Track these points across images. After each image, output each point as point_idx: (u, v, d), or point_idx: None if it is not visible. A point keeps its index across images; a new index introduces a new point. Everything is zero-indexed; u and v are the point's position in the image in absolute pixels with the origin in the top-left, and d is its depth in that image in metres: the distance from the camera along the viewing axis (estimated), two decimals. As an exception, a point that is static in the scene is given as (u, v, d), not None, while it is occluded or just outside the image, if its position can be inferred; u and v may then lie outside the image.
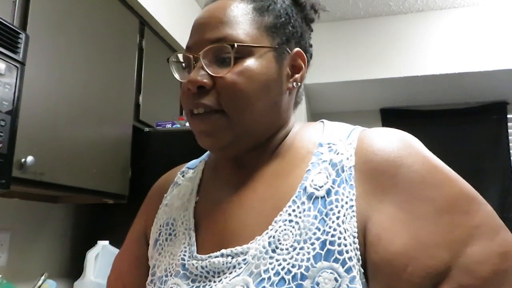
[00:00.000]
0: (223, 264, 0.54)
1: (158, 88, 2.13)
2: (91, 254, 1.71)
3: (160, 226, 0.68)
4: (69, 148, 1.48)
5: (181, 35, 2.36)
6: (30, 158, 1.25)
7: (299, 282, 0.48)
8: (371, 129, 0.59)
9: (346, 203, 0.51)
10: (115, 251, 1.71)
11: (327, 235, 0.50)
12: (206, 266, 0.56)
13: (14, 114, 1.16)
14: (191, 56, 0.59)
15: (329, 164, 0.56)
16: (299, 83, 0.64)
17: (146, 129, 1.97)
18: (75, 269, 1.86)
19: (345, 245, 0.49)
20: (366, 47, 3.13)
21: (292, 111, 0.67)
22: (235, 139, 0.59)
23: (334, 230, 0.50)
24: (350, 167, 0.54)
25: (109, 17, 1.78)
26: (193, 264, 0.57)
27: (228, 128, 0.58)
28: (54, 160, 1.41)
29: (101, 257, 1.72)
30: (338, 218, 0.50)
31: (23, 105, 1.21)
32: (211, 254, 0.56)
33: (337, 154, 0.56)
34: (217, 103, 0.57)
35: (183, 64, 0.63)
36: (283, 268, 0.50)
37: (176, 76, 0.63)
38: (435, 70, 3.00)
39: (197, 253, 0.59)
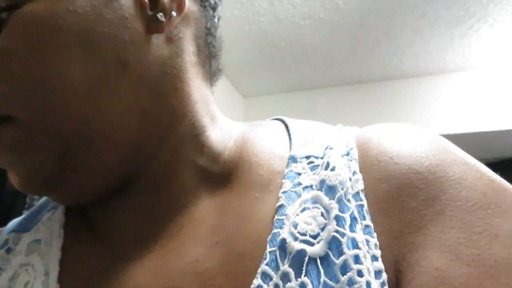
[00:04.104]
0: None
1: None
2: None
3: None
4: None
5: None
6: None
7: None
8: (372, 126, 0.36)
9: (369, 266, 0.27)
10: None
11: None
12: None
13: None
14: None
15: (321, 190, 0.31)
16: (174, 13, 0.33)
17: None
18: None
19: None
20: (379, 109, 3.22)
21: (200, 82, 0.37)
22: (63, 160, 0.31)
23: None
24: (358, 192, 0.30)
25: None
26: None
27: (32, 141, 0.30)
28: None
29: None
30: None
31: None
32: None
33: (332, 170, 0.31)
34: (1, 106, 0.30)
35: None
36: None
37: None
38: (448, 130, 3.09)
39: None
